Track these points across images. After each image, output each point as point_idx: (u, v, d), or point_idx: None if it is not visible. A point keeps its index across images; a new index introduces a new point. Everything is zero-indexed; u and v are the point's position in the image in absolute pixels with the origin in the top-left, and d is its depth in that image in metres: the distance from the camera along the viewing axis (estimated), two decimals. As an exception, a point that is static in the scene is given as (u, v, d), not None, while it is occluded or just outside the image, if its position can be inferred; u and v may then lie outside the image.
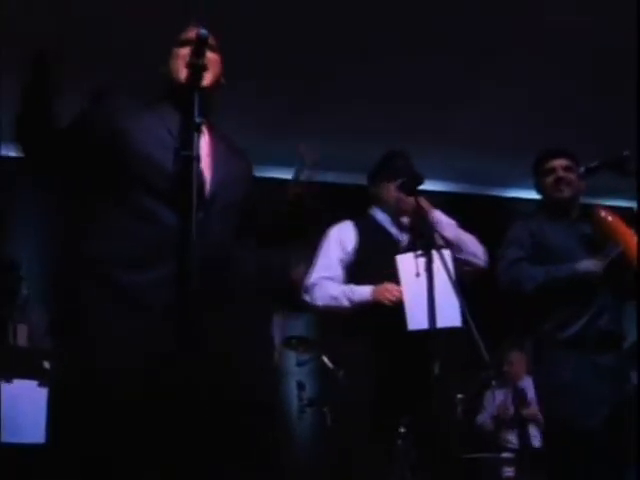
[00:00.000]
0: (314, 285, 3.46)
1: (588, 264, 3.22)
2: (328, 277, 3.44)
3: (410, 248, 3.34)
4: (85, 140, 2.33)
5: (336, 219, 3.64)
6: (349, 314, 3.36)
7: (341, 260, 3.47)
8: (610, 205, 6.09)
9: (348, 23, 4.65)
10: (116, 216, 2.29)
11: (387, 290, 3.26)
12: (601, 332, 3.26)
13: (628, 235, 3.27)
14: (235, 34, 4.36)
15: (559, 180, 3.43)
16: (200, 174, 2.31)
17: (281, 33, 4.69)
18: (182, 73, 2.36)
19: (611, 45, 4.88)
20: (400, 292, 3.23)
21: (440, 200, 6.41)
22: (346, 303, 3.35)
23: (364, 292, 3.32)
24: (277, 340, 4.95)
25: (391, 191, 3.49)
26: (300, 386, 5.00)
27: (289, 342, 5.09)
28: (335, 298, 3.37)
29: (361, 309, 3.32)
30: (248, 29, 4.53)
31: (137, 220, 2.26)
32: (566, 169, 3.46)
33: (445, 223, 3.46)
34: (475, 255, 3.42)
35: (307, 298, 3.49)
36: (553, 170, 3.46)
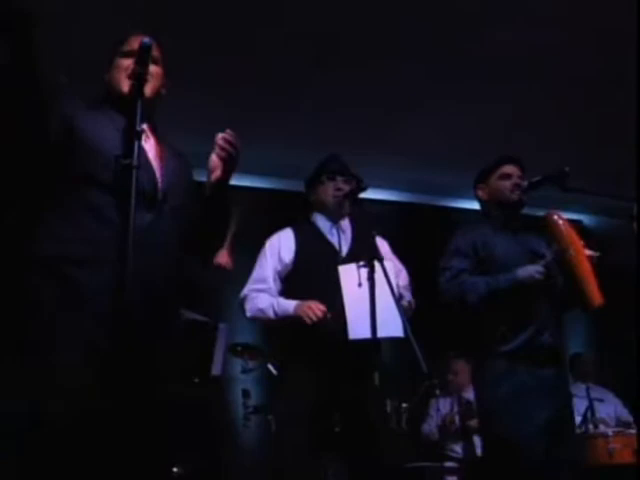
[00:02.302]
0: (245, 297, 3.55)
1: (527, 269, 3.23)
2: (259, 289, 3.51)
3: (351, 257, 3.37)
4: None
5: (282, 226, 3.66)
6: (277, 325, 3.45)
7: (277, 272, 3.52)
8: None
9: (300, 31, 4.66)
10: (67, 216, 2.28)
11: (310, 308, 3.27)
12: (542, 347, 3.27)
13: (577, 244, 3.29)
14: (187, 41, 4.38)
15: (516, 185, 3.45)
16: (153, 178, 2.36)
17: (233, 39, 4.68)
18: (124, 84, 2.39)
19: (562, 61, 4.98)
20: (323, 311, 3.25)
21: (387, 209, 6.53)
22: (271, 315, 3.42)
23: (288, 306, 3.37)
24: (222, 348, 4.92)
25: (329, 191, 3.53)
26: (245, 393, 4.98)
27: (235, 349, 5.07)
28: (262, 310, 3.45)
29: (285, 322, 3.37)
30: (200, 35, 4.52)
31: (88, 220, 2.26)
32: (519, 178, 3.49)
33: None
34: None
35: (242, 310, 3.58)
36: (510, 175, 3.48)
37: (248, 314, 3.52)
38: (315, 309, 3.25)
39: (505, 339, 3.25)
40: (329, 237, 3.54)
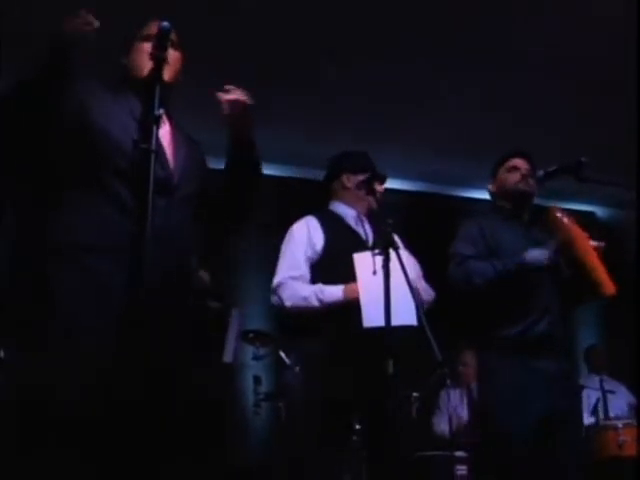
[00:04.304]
0: (281, 285, 3.37)
1: (534, 254, 3.24)
2: (295, 277, 3.36)
3: (376, 246, 3.33)
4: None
5: (294, 213, 3.63)
6: (316, 314, 3.30)
7: (308, 258, 3.40)
8: (571, 208, 6.21)
9: (311, 22, 4.67)
10: (85, 202, 2.30)
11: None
12: (541, 335, 3.28)
13: (581, 237, 3.30)
14: (196, 28, 4.37)
15: (524, 177, 3.46)
16: (166, 164, 2.37)
17: (244, 28, 4.70)
18: (145, 68, 2.40)
19: (575, 51, 4.96)
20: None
21: (400, 199, 6.53)
22: (316, 303, 3.27)
23: (335, 292, 3.27)
24: (234, 335, 4.93)
25: (356, 182, 3.51)
26: (256, 380, 4.99)
27: (246, 336, 5.07)
28: (305, 299, 3.29)
29: (330, 309, 3.26)
30: (212, 24, 4.53)
31: (105, 206, 2.28)
32: (527, 171, 3.50)
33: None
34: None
35: (274, 299, 3.40)
36: (518, 168, 3.50)
37: (287, 303, 3.32)
38: None
39: (503, 328, 3.27)
40: (354, 227, 3.52)
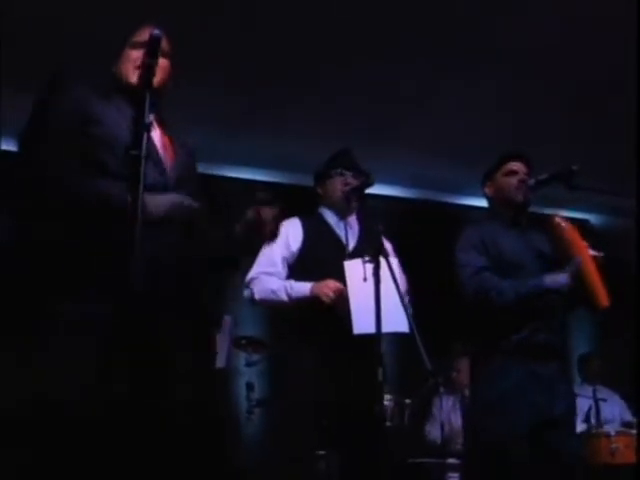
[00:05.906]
0: (253, 279, 3.47)
1: (555, 278, 3.20)
2: (268, 272, 3.45)
3: (357, 253, 3.34)
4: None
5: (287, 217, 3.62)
6: (287, 310, 3.38)
7: (284, 258, 3.47)
8: (564, 216, 6.17)
9: (311, 22, 4.64)
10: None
11: (327, 286, 3.26)
12: (543, 341, 3.25)
13: (581, 246, 3.28)
14: (192, 33, 4.37)
15: (522, 182, 3.42)
16: (163, 169, 2.37)
17: (236, 33, 4.67)
18: (133, 76, 2.40)
19: (575, 51, 4.94)
20: (340, 288, 3.23)
21: (393, 206, 6.49)
22: (284, 298, 3.36)
23: (303, 288, 3.33)
24: (227, 341, 4.91)
25: (337, 186, 3.52)
26: (249, 387, 4.99)
27: (239, 342, 5.07)
28: (274, 292, 3.38)
29: (299, 305, 3.32)
30: (205, 28, 4.51)
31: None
32: (525, 174, 3.47)
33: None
34: None
35: (246, 292, 3.51)
36: (516, 172, 3.46)
37: (257, 296, 3.44)
38: (332, 287, 3.25)
39: (505, 335, 3.24)
40: (337, 231, 3.53)
